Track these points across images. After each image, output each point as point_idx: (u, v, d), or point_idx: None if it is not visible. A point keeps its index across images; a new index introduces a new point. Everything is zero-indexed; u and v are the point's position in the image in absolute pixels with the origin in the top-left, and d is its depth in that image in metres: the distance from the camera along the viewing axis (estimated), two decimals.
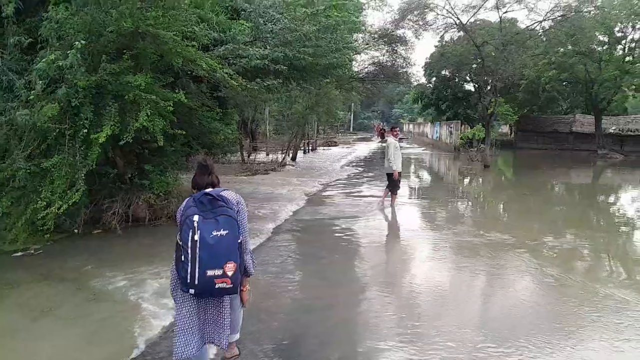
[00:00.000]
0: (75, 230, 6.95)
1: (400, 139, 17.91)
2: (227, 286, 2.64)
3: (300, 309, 4.74)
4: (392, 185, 10.33)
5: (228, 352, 3.29)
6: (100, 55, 6.00)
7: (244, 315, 3.44)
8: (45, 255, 6.20)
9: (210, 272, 2.59)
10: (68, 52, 5.45)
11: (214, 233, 2.61)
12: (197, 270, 2.58)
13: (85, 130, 5.77)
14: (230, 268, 2.62)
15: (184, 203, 2.81)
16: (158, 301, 4.72)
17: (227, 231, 2.65)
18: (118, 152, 7.15)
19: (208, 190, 2.87)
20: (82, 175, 5.82)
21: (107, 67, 5.89)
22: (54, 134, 5.76)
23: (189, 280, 2.60)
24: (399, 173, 10.19)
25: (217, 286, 2.62)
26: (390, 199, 10.52)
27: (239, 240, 2.75)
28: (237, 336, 3.33)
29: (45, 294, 4.97)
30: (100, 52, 6.06)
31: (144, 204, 7.72)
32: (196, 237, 2.59)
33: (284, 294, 5.13)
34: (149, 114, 5.98)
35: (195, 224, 2.61)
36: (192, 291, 2.64)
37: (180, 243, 2.65)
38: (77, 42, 5.39)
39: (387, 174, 10.34)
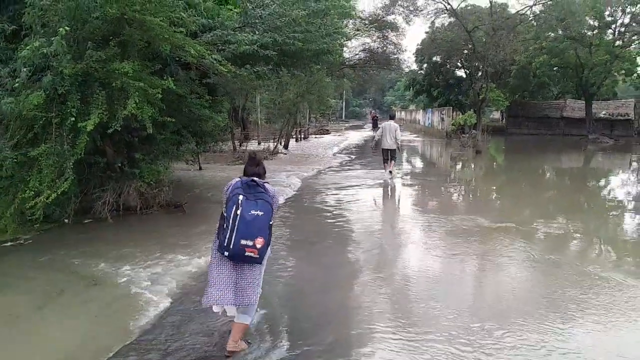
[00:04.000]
0: (66, 220, 6.89)
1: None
2: (254, 256, 3.22)
3: (293, 292, 4.75)
4: (394, 157, 12.85)
5: (232, 345, 3.48)
6: (86, 43, 5.91)
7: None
8: (35, 245, 6.14)
9: (243, 242, 3.17)
10: (52, 39, 5.35)
11: (252, 212, 3.21)
12: (234, 237, 3.17)
13: (73, 119, 5.69)
14: (259, 242, 3.20)
15: (232, 182, 3.41)
16: (152, 288, 4.71)
17: (262, 212, 3.24)
18: (107, 140, 7.08)
19: (253, 178, 3.38)
20: (71, 164, 5.75)
21: (93, 54, 5.79)
22: (41, 122, 5.69)
23: (225, 244, 3.20)
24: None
25: (246, 254, 3.20)
26: (390, 167, 12.68)
27: (270, 223, 3.31)
28: (249, 319, 3.56)
29: (39, 283, 4.93)
30: (86, 39, 5.97)
31: (135, 193, 7.66)
32: (238, 212, 3.20)
33: (278, 280, 5.14)
34: (137, 101, 5.89)
35: (240, 202, 3.23)
36: (226, 253, 3.23)
37: (225, 215, 3.28)
38: (61, 29, 5.29)
39: (391, 150, 12.55)
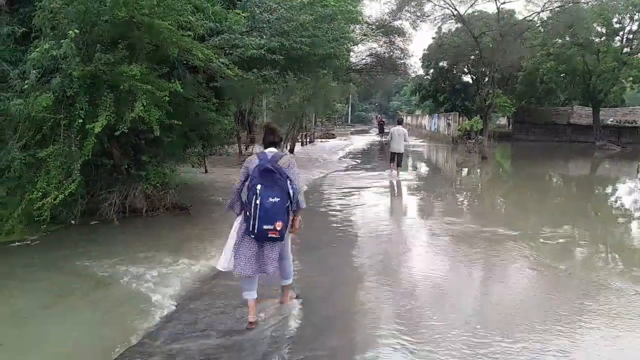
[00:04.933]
0: (72, 222, 6.92)
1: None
2: (276, 237, 3.73)
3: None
4: (400, 160, 13.76)
5: (284, 298, 4.34)
6: (95, 45, 5.96)
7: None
8: (42, 246, 6.17)
9: (265, 227, 3.67)
10: (62, 41, 5.40)
11: (270, 199, 3.66)
12: (257, 224, 3.66)
13: (81, 121, 5.73)
14: (279, 225, 3.70)
15: (253, 159, 3.90)
16: (158, 290, 4.72)
17: (279, 199, 3.71)
18: (114, 142, 7.11)
19: (269, 155, 3.88)
20: (78, 165, 5.79)
21: (102, 57, 5.84)
22: (49, 124, 5.73)
23: (250, 229, 3.70)
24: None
25: (269, 235, 3.71)
26: (396, 171, 13.69)
27: (286, 205, 3.76)
28: (289, 281, 4.30)
29: (45, 284, 4.97)
30: (95, 42, 6.01)
31: (141, 195, 7.70)
32: (258, 202, 3.65)
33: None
34: (144, 104, 5.93)
35: (258, 191, 3.67)
36: (252, 236, 3.75)
37: (246, 202, 3.77)
38: (70, 32, 5.33)
39: (398, 154, 13.49)
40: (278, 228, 3.68)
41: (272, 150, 4.01)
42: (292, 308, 4.36)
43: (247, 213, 3.74)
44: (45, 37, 5.82)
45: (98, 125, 5.67)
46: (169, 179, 7.90)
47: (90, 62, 5.85)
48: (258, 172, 3.74)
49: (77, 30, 5.47)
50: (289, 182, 3.79)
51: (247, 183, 3.82)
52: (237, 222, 3.99)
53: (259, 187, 3.67)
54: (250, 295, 4.02)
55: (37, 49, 5.43)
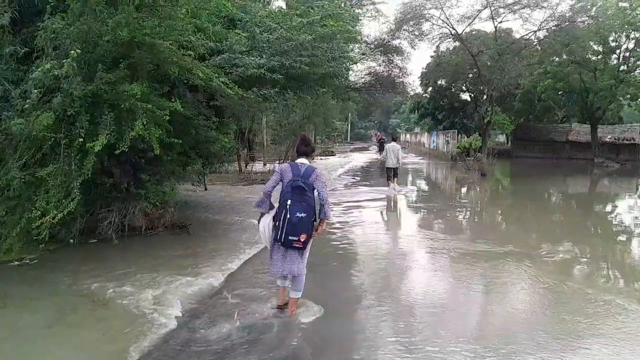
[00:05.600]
0: (71, 240, 6.89)
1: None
2: (299, 246, 4.29)
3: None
4: (396, 174, 14.55)
5: (291, 309, 4.60)
6: (96, 65, 5.99)
7: None
8: (41, 265, 6.14)
9: (290, 237, 4.21)
10: (64, 61, 5.44)
11: (297, 214, 4.16)
12: (284, 235, 4.19)
13: (81, 139, 5.74)
14: (303, 237, 4.23)
15: (287, 170, 4.36)
16: (158, 309, 4.69)
17: (305, 214, 4.20)
18: (114, 161, 7.12)
19: (302, 169, 4.34)
20: (78, 184, 5.78)
21: (103, 76, 5.87)
22: (49, 143, 5.74)
23: (278, 238, 4.24)
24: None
25: (293, 245, 4.26)
26: (396, 185, 14.39)
27: (312, 219, 4.28)
28: (299, 294, 4.63)
29: (45, 303, 4.94)
30: (96, 62, 6.05)
31: (140, 214, 7.68)
32: (287, 216, 4.16)
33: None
34: (145, 123, 5.95)
35: (288, 207, 4.16)
36: (279, 243, 4.29)
37: (277, 214, 4.27)
38: (72, 51, 5.38)
39: (394, 168, 14.27)
40: (302, 239, 4.23)
41: (303, 161, 4.46)
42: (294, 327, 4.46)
43: (277, 223, 4.24)
44: (47, 57, 5.87)
45: (98, 144, 5.67)
46: (169, 197, 7.89)
47: (92, 81, 5.88)
48: (290, 188, 4.24)
49: (79, 50, 5.52)
50: (316, 192, 4.33)
51: (280, 191, 4.33)
52: (265, 218, 4.47)
53: (289, 202, 4.18)
54: (283, 284, 4.75)
55: (39, 69, 5.46)
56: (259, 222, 4.56)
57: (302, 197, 4.20)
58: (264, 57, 7.88)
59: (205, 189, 12.68)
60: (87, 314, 4.68)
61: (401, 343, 4.09)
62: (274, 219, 4.32)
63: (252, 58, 7.67)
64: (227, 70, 7.46)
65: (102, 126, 5.91)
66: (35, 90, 5.60)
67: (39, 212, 5.58)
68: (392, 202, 13.03)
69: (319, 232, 4.54)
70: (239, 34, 7.84)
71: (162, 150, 6.52)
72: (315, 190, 4.32)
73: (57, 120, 5.70)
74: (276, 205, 4.38)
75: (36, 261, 6.27)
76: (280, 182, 4.37)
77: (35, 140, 5.72)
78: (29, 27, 6.32)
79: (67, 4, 5.90)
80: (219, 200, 11.69)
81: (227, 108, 9.89)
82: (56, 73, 5.45)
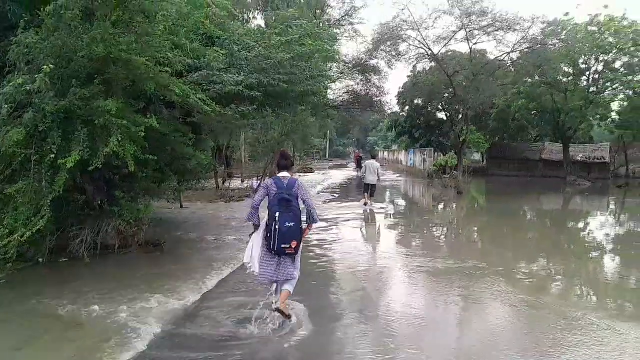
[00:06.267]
0: (40, 259, 6.70)
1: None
2: (292, 252, 4.63)
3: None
4: (374, 191, 14.99)
5: (282, 306, 4.67)
6: (70, 80, 5.91)
7: None
8: (9, 285, 5.91)
9: (283, 245, 4.53)
10: (36, 76, 5.35)
11: (287, 224, 4.52)
12: (276, 244, 4.52)
13: (53, 156, 5.62)
14: (294, 244, 4.57)
15: (272, 184, 4.69)
16: (130, 329, 4.58)
17: (294, 223, 4.56)
18: (87, 178, 6.98)
19: (285, 182, 4.68)
20: (48, 201, 5.64)
21: (77, 92, 5.79)
22: (20, 159, 5.60)
23: (271, 247, 4.55)
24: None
25: (286, 252, 4.59)
26: (369, 201, 14.73)
27: (300, 226, 4.62)
28: (291, 289, 4.80)
29: (13, 325, 4.78)
30: (70, 77, 5.97)
31: (114, 232, 7.53)
32: (277, 227, 4.49)
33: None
34: (119, 139, 5.86)
35: (277, 218, 4.51)
36: (273, 252, 4.60)
37: (267, 224, 4.59)
38: (45, 67, 5.29)
39: (372, 185, 14.72)
40: (293, 246, 4.58)
41: (285, 175, 4.79)
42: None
43: (268, 234, 4.56)
44: (19, 72, 5.76)
45: (70, 161, 5.56)
46: (143, 215, 7.74)
47: (65, 97, 5.79)
48: (277, 201, 4.57)
49: (52, 65, 5.43)
50: (300, 201, 4.68)
51: (267, 204, 4.65)
52: (256, 233, 4.77)
53: (277, 214, 4.52)
54: (273, 289, 4.94)
55: (11, 84, 5.35)
56: (250, 236, 4.91)
57: (288, 208, 4.56)
58: (242, 74, 7.87)
59: (181, 207, 12.52)
60: (57, 336, 4.54)
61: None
62: (266, 230, 4.62)
63: (230, 75, 7.65)
64: (205, 87, 7.42)
65: (75, 142, 5.80)
66: (6, 106, 5.48)
67: (7, 230, 5.42)
68: (370, 220, 13.05)
69: (305, 235, 4.87)
70: (217, 51, 7.82)
71: (137, 167, 6.43)
72: (300, 199, 4.67)
73: (28, 136, 5.58)
74: (265, 217, 4.68)
75: (3, 281, 6.04)
76: (267, 196, 4.70)
77: (5, 156, 5.59)
78: (2, 42, 6.21)
79: (42, 19, 5.83)
80: (195, 218, 11.53)
81: (204, 125, 9.83)
82: (28, 88, 5.35)
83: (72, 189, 6.79)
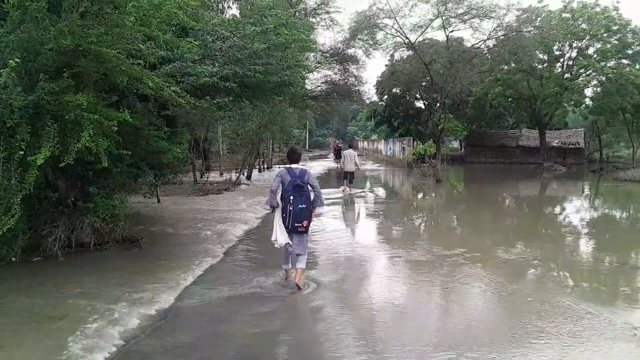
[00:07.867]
0: (13, 259, 6.53)
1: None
2: (303, 230, 5.66)
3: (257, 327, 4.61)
4: (352, 178, 16.62)
5: (298, 278, 5.68)
6: (38, 74, 5.73)
7: None
8: None
9: (296, 224, 5.55)
10: (2, 70, 5.16)
11: (299, 206, 5.53)
12: (290, 222, 5.55)
13: (22, 152, 5.44)
14: (305, 223, 5.61)
15: (283, 172, 5.72)
16: (107, 327, 4.50)
17: (305, 205, 5.60)
18: (59, 174, 6.80)
19: (297, 172, 5.69)
20: (18, 199, 5.47)
21: (45, 86, 5.60)
22: None
23: (286, 225, 5.56)
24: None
25: (298, 230, 5.61)
26: (348, 187, 16.24)
27: (310, 208, 5.68)
28: (303, 264, 5.77)
29: None
30: (38, 71, 5.77)
31: (89, 228, 7.37)
32: (291, 208, 5.52)
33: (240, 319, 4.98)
34: (91, 134, 5.71)
35: (291, 201, 5.52)
36: (288, 230, 5.58)
37: (282, 206, 5.61)
38: (11, 61, 5.11)
39: (350, 172, 16.35)
40: (305, 224, 5.59)
41: (297, 166, 5.77)
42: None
43: (284, 214, 5.57)
44: None
45: (40, 157, 5.39)
46: (119, 210, 7.58)
47: (33, 91, 5.60)
48: (292, 187, 5.55)
49: (18, 60, 5.24)
50: (310, 187, 5.68)
51: (283, 190, 5.58)
52: (277, 214, 5.64)
53: (292, 197, 5.52)
54: (287, 267, 5.99)
55: None
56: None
57: (301, 193, 5.57)
58: (216, 65, 7.73)
59: (158, 201, 12.33)
60: (32, 336, 4.40)
61: (363, 352, 4.06)
62: (281, 211, 5.59)
63: (205, 67, 7.51)
64: (179, 79, 7.27)
65: (45, 138, 5.62)
66: None
67: None
68: (350, 209, 13.07)
69: (314, 216, 5.87)
70: (191, 42, 7.66)
71: (110, 162, 6.29)
72: (309, 185, 5.66)
73: None
74: (280, 202, 5.62)
75: None
76: (281, 183, 5.60)
77: None
78: None
79: (6, 11, 5.62)
80: (173, 212, 11.38)
81: (179, 117, 9.68)
82: None
83: (44, 186, 6.61)
